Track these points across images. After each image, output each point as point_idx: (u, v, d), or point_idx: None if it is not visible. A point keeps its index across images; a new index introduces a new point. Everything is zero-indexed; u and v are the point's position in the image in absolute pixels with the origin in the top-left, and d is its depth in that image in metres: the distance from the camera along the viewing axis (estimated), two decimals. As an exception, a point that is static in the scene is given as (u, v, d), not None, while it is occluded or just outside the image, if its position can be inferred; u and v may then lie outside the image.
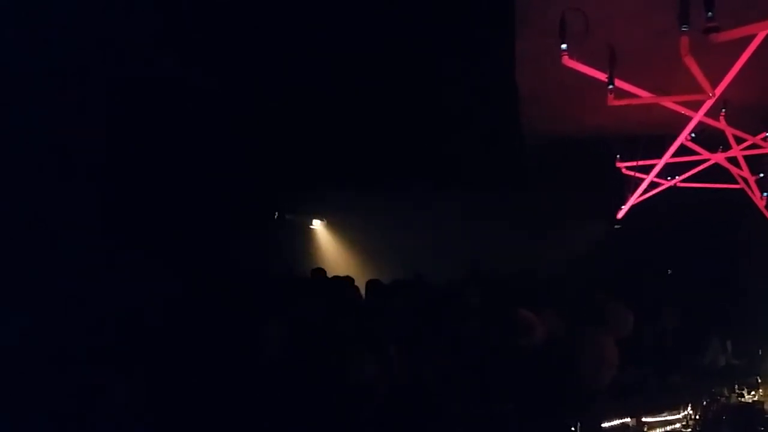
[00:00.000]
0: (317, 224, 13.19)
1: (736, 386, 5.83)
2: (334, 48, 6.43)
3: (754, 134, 5.01)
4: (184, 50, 6.12)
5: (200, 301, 6.38)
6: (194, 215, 8.59)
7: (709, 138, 5.39)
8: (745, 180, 5.37)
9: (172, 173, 7.91)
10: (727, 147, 5.22)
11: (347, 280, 8.48)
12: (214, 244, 8.92)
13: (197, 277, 7.24)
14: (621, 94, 3.91)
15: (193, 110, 7.23)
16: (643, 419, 5.27)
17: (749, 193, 5.43)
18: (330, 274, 9.43)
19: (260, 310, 6.37)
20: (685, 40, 3.03)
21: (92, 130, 6.44)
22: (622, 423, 5.15)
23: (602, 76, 3.69)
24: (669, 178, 5.64)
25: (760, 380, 5.95)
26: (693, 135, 4.86)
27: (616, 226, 8.31)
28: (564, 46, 3.46)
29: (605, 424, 5.09)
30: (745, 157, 5.24)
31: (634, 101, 3.89)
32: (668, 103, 4.00)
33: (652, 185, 5.46)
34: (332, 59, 6.65)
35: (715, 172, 5.70)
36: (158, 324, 5.44)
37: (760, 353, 6.39)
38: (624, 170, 5.63)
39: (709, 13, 2.71)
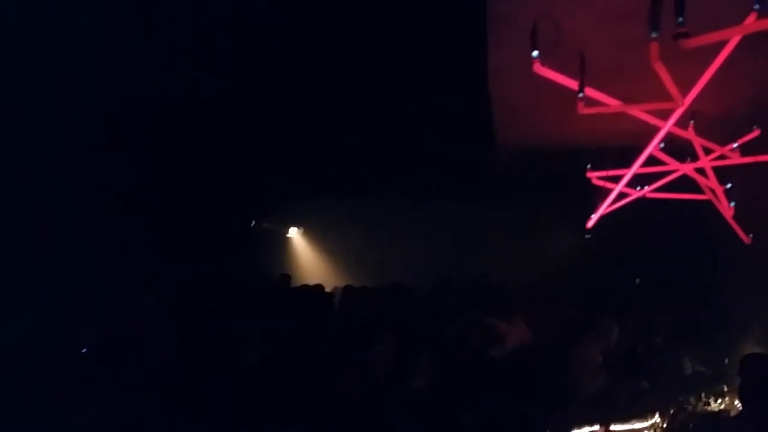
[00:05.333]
0: (294, 232, 13.16)
1: (703, 395, 5.90)
2: (312, 58, 6.46)
3: (722, 145, 5.09)
4: (163, 60, 6.11)
5: (175, 309, 6.35)
6: (170, 223, 8.53)
7: (678, 149, 5.47)
8: (713, 190, 5.44)
9: (148, 181, 7.87)
10: (695, 158, 5.28)
11: (318, 289, 8.50)
12: (189, 253, 8.87)
13: (171, 286, 7.19)
14: (591, 102, 3.95)
15: (171, 118, 7.20)
16: (612, 427, 5.32)
17: (716, 203, 5.50)
18: (305, 281, 9.46)
19: (233, 319, 6.34)
20: (655, 47, 3.06)
21: (67, 138, 6.39)
22: (591, 431, 5.19)
23: (573, 84, 3.72)
24: (638, 188, 5.70)
25: (726, 388, 6.03)
26: (662, 145, 4.93)
27: (586, 236, 8.41)
28: (535, 53, 3.49)
29: (574, 432, 5.13)
30: (713, 168, 5.32)
31: (603, 109, 3.93)
32: (637, 111, 4.05)
33: (622, 195, 5.51)
34: (309, 69, 6.67)
35: (685, 183, 5.78)
36: (133, 333, 5.43)
37: (726, 362, 6.48)
38: (594, 180, 5.69)
39: (680, 19, 2.71)
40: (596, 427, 5.27)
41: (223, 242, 9.82)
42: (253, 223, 11.63)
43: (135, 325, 5.56)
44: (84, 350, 4.92)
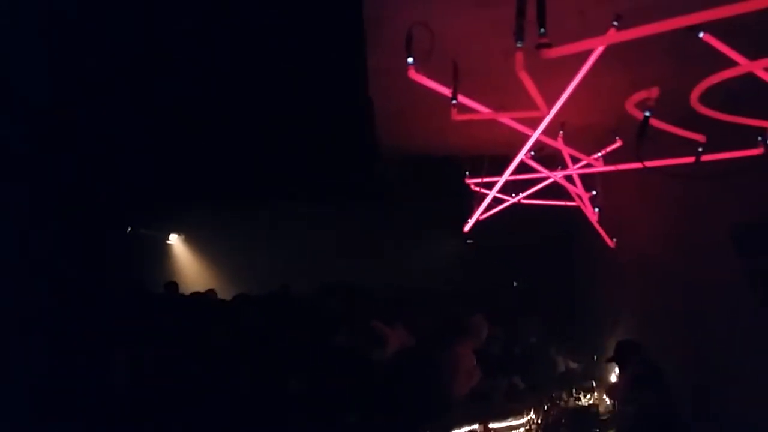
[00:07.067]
0: (174, 239, 12.75)
1: (574, 390, 6.24)
2: (195, 64, 6.31)
3: (589, 154, 5.35)
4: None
5: (45, 320, 6.02)
6: (43, 229, 8.05)
7: (550, 157, 5.72)
8: (580, 197, 5.73)
9: (17, 183, 7.38)
10: (566, 166, 5.53)
11: (209, 294, 8.31)
12: (61, 260, 8.40)
13: (43, 294, 6.80)
14: (465, 109, 4.04)
15: (47, 119, 6.84)
16: (490, 425, 5.48)
17: (583, 209, 5.79)
18: (187, 289, 9.19)
19: (109, 328, 6.07)
20: (519, 56, 3.16)
21: None
22: (471, 430, 5.33)
23: (447, 91, 3.79)
24: (514, 194, 5.90)
25: (595, 384, 6.41)
26: (533, 153, 5.12)
27: (468, 241, 8.65)
28: (410, 59, 3.52)
29: (454, 432, 5.23)
30: (580, 176, 5.59)
31: (475, 116, 4.04)
32: (507, 119, 4.18)
33: (497, 201, 5.69)
34: (192, 76, 6.52)
35: (556, 190, 6.04)
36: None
37: (595, 358, 6.86)
38: (472, 186, 5.84)
39: (542, 30, 2.80)
40: (476, 426, 5.42)
41: (97, 249, 9.37)
42: (129, 228, 11.16)
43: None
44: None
